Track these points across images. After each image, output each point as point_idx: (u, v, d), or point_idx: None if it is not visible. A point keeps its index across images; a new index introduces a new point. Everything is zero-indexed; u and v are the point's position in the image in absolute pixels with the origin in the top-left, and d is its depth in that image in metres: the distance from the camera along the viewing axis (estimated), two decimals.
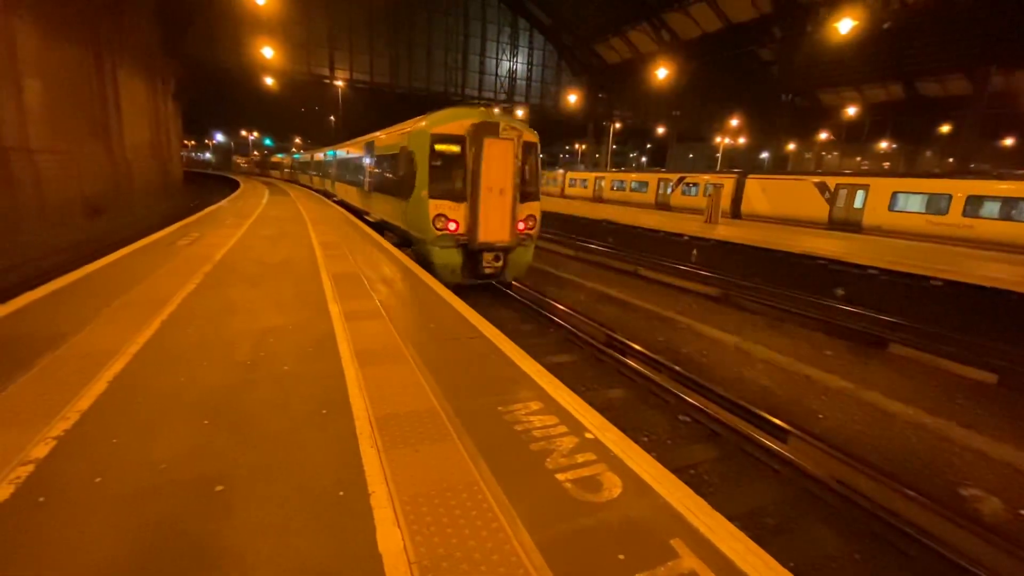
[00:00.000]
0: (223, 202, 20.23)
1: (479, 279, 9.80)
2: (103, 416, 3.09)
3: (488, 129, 9.11)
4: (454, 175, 9.35)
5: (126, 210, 20.88)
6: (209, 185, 44.22)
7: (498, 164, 9.21)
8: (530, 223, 9.91)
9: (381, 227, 13.31)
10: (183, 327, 4.78)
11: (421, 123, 10.05)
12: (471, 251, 9.44)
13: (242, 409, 3.27)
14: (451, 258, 9.48)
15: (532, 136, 9.73)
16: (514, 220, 9.50)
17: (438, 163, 9.35)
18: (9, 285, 9.64)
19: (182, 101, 32.68)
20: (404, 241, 11.08)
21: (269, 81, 38.59)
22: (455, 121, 9.34)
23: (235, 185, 34.69)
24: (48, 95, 15.79)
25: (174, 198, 28.86)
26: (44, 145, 15.43)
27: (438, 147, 9.33)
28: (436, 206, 9.25)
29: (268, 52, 29.15)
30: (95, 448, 2.76)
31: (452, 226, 9.28)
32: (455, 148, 9.31)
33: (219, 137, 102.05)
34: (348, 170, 18.67)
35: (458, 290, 7.07)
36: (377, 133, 14.58)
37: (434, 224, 9.23)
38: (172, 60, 29.33)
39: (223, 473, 2.59)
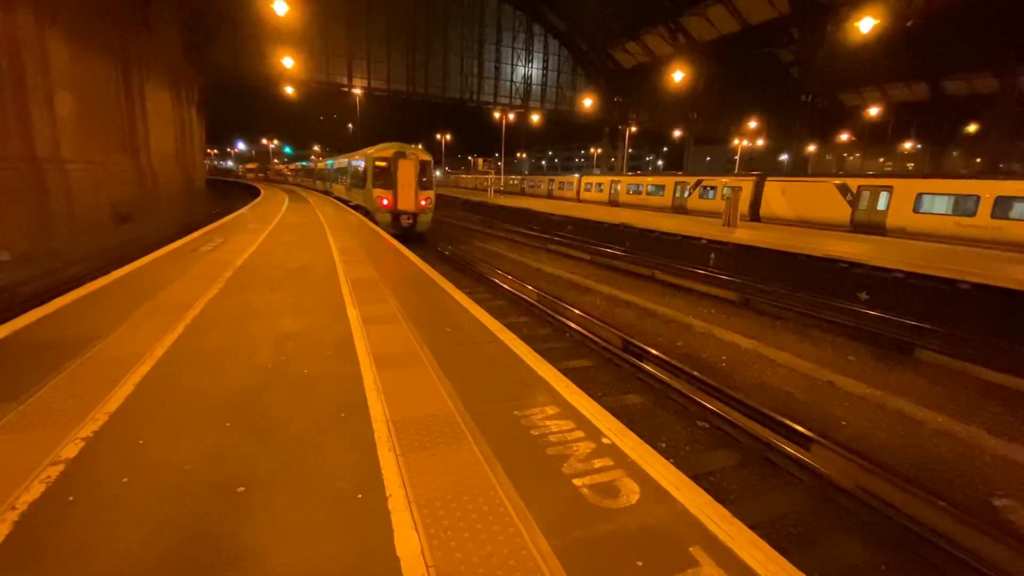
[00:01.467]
0: (244, 209, 20.66)
1: (401, 230, 17.66)
2: (130, 418, 3.17)
3: (401, 155, 17.70)
4: (385, 177, 17.65)
5: (152, 217, 21.44)
6: (231, 192, 45.25)
7: (406, 172, 17.75)
8: (427, 202, 18.41)
9: (356, 208, 21.21)
10: (206, 331, 4.89)
11: (369, 151, 18.59)
12: (395, 214, 17.82)
13: (263, 411, 3.33)
14: (385, 218, 17.68)
15: (426, 156, 18.42)
16: (416, 199, 18.00)
17: (377, 171, 17.79)
18: (41, 290, 9.98)
19: (205, 111, 33.50)
20: (366, 212, 19.01)
21: (289, 90, 39.38)
22: (386, 151, 17.81)
23: (256, 192, 35.42)
24: (78, 107, 16.33)
25: (198, 205, 29.56)
26: (74, 155, 15.95)
27: (377, 164, 17.79)
28: (377, 192, 17.64)
29: (288, 62, 29.74)
30: (122, 449, 2.83)
31: (385, 202, 17.64)
32: (385, 164, 17.69)
33: (241, 146, 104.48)
34: (340, 176, 27.85)
35: (463, 287, 7.08)
36: (350, 155, 24.49)
37: (377, 201, 17.64)
38: (196, 71, 30.13)
39: (245, 474, 2.64)
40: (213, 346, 4.49)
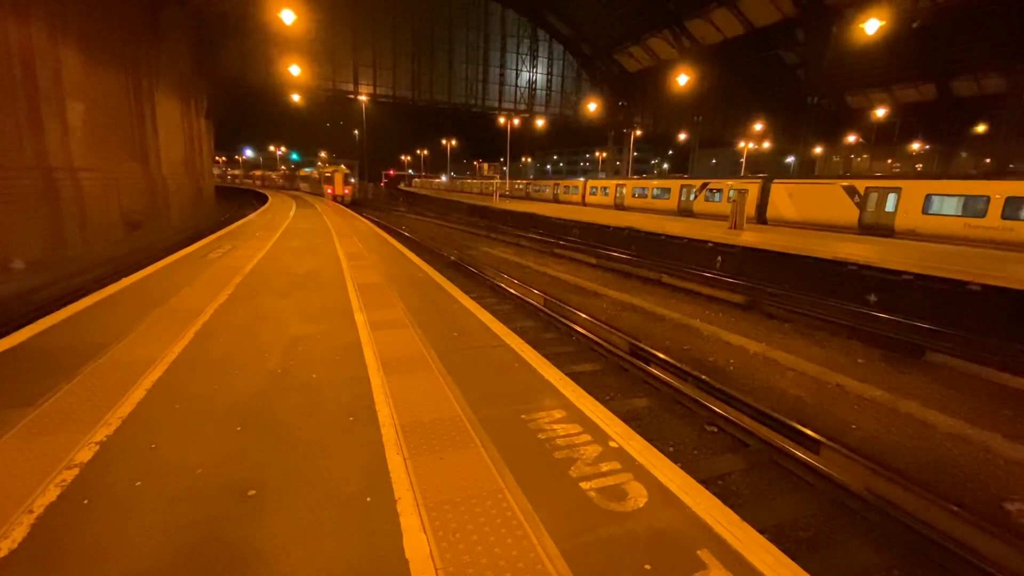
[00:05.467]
0: (252, 215, 20.86)
1: (337, 202, 39.50)
2: (143, 422, 3.22)
3: (337, 170, 45.06)
4: (329, 180, 44.27)
5: (162, 224, 21.70)
6: (239, 199, 45.75)
7: (339, 178, 44.04)
8: (349, 191, 44.13)
9: (318, 195, 44.96)
10: (216, 336, 4.94)
11: (324, 170, 49.12)
12: (333, 196, 42.78)
13: (273, 415, 3.36)
14: (327, 198, 41.13)
15: (347, 170, 45.92)
16: (343, 190, 43.61)
17: (325, 179, 45.18)
18: (55, 297, 10.11)
19: (213, 119, 33.92)
20: (320, 196, 43.65)
21: (296, 98, 39.74)
22: (328, 169, 46.62)
23: (264, 199, 35.75)
24: (90, 116, 16.60)
25: (207, 212, 29.88)
26: (86, 164, 16.20)
27: (325, 175, 45.87)
28: (325, 187, 44.23)
29: (295, 70, 30.01)
30: (135, 453, 2.87)
31: (329, 191, 43.50)
32: (329, 174, 44.78)
33: (248, 153, 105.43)
34: (308, 180, 54.97)
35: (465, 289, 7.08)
36: (312, 171, 56.75)
37: (325, 190, 44.04)
38: (204, 80, 30.53)
39: (255, 478, 2.67)
40: (223, 351, 4.54)
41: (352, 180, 45.40)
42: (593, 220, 22.09)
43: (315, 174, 49.76)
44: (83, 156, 16.06)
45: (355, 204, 42.81)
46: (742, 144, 54.81)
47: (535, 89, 49.12)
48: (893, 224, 18.36)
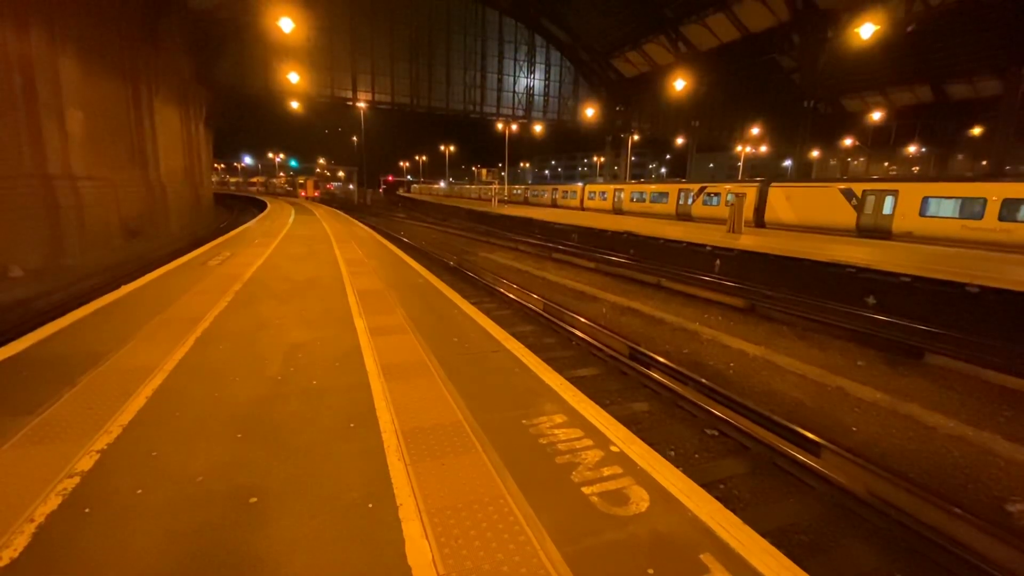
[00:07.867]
0: (251, 223, 20.87)
1: (311, 200, 58.73)
2: (143, 430, 3.21)
3: (308, 179, 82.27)
4: (303, 185, 78.62)
5: (161, 232, 21.70)
6: (237, 206, 45.81)
7: (311, 184, 77.55)
8: (318, 191, 75.84)
9: (296, 196, 72.86)
10: (216, 344, 4.94)
11: (296, 179, 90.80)
12: (307, 197, 69.22)
13: (273, 422, 3.36)
14: (302, 198, 62.77)
15: (316, 179, 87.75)
16: (314, 192, 75.12)
17: (299, 185, 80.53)
18: (54, 305, 10.10)
19: (212, 127, 33.99)
20: (296, 197, 70.50)
21: (295, 105, 39.89)
22: (302, 178, 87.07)
23: (262, 206, 35.81)
24: (89, 124, 16.63)
25: (205, 219, 29.89)
26: (85, 172, 16.21)
27: (299, 182, 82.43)
28: (300, 190, 77.13)
29: (294, 77, 30.12)
30: (136, 461, 2.87)
31: (303, 193, 73.62)
32: (302, 181, 79.73)
33: (247, 160, 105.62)
34: (286, 189, 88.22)
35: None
36: (292, 178, 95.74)
37: (301, 193, 74.26)
38: (203, 88, 30.62)
39: (256, 485, 2.66)
40: (223, 358, 4.54)
41: (319, 185, 76.21)
42: (592, 224, 22.13)
43: (287, 184, 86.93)
44: (82, 164, 16.08)
45: (354, 210, 42.80)
46: (739, 148, 55.06)
47: (533, 95, 49.34)
48: (891, 227, 18.43)
